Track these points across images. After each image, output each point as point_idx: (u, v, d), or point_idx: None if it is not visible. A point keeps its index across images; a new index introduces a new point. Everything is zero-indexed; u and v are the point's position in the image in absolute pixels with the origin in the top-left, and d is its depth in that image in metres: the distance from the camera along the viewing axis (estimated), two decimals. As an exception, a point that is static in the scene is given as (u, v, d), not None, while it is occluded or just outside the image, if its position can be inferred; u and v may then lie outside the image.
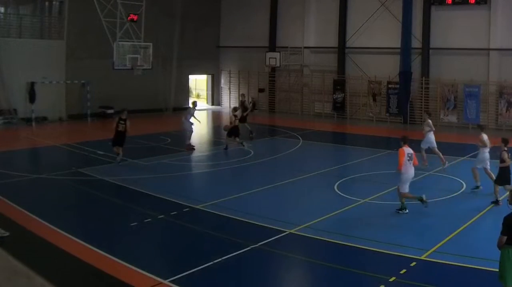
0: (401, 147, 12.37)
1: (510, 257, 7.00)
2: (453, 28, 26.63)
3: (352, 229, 11.03)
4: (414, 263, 9.06)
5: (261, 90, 34.15)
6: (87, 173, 16.13)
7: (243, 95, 25.92)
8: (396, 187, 12.51)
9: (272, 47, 33.16)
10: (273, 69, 33.02)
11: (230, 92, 36.07)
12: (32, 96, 26.27)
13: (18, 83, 26.05)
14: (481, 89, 25.78)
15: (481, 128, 15.07)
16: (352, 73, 30.34)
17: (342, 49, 30.68)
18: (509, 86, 25.18)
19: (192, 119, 20.71)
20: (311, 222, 11.34)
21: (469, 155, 19.14)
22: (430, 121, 17.54)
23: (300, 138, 23.05)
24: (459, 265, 8.98)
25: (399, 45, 27.62)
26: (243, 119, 22.23)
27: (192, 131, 20.58)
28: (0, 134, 23.81)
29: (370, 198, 13.32)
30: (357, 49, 30.15)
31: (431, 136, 17.21)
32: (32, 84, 26.29)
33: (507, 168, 12.81)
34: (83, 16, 26.61)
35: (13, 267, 8.40)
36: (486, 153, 14.16)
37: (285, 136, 24.18)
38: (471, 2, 25.81)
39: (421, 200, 12.18)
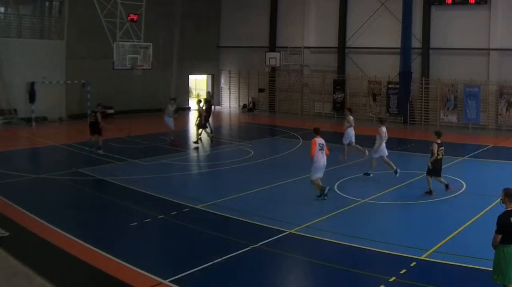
0: (313, 137, 13.10)
1: (506, 255, 7.12)
2: (453, 28, 26.64)
3: (352, 229, 11.02)
4: (414, 263, 9.06)
5: (261, 90, 34.16)
6: (87, 173, 16.12)
7: (209, 93, 25.78)
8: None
9: (272, 47, 33.17)
10: (273, 69, 33.02)
11: (230, 92, 36.08)
12: (32, 96, 26.26)
13: (18, 83, 26.04)
14: (481, 89, 25.78)
15: (381, 121, 16.33)
16: (352, 73, 30.34)
17: (342, 49, 30.69)
18: (509, 86, 25.18)
19: (170, 116, 21.11)
20: (311, 222, 11.34)
21: (469, 155, 19.15)
22: (351, 117, 18.55)
23: (300, 138, 23.04)
24: (459, 265, 8.98)
25: (399, 45, 27.62)
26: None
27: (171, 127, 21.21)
28: (0, 134, 23.81)
29: (370, 198, 13.32)
30: (357, 49, 30.15)
31: (350, 131, 18.25)
32: (32, 84, 26.29)
33: (439, 160, 13.57)
34: (83, 16, 26.61)
35: (13, 267, 8.41)
36: (383, 144, 15.57)
37: (285, 136, 24.18)
38: (471, 2, 25.82)
39: (322, 190, 13.09)
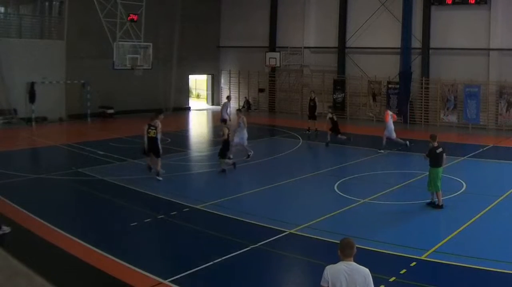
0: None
1: (430, 172, 12.43)
2: (453, 28, 26.62)
3: (352, 229, 11.01)
4: (414, 263, 9.07)
5: (261, 90, 34.15)
6: (87, 173, 16.13)
7: None
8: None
9: (272, 47, 33.16)
10: (273, 69, 33.02)
11: (230, 92, 36.03)
12: (32, 96, 26.26)
13: (18, 83, 26.03)
14: (481, 89, 25.77)
15: (239, 111, 18.95)
16: (352, 73, 30.33)
17: (342, 49, 30.68)
18: (509, 86, 25.17)
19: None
20: (311, 222, 11.34)
21: (469, 155, 19.15)
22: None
23: (300, 138, 23.04)
24: (459, 265, 8.98)
25: (399, 45, 27.61)
26: None
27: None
28: (0, 134, 23.81)
29: (370, 198, 13.32)
30: (357, 49, 30.14)
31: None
32: (32, 84, 26.28)
33: (226, 142, 16.13)
34: (83, 16, 26.61)
35: (13, 267, 8.40)
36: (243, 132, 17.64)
37: (285, 136, 24.18)
38: (471, 2, 25.80)
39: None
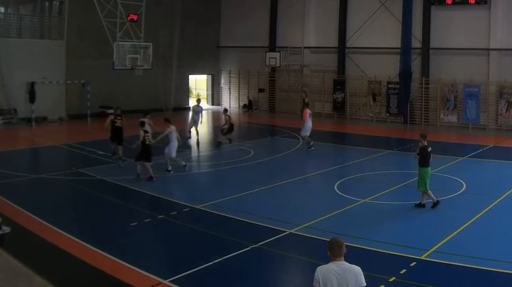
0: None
1: (421, 172, 12.31)
2: (453, 28, 26.63)
3: (352, 229, 11.01)
4: (414, 263, 9.06)
5: (261, 90, 34.15)
6: (87, 173, 16.12)
7: None
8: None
9: (272, 47, 33.18)
10: (273, 69, 33.02)
11: (230, 92, 36.09)
12: (32, 96, 26.26)
13: (18, 83, 26.04)
14: (481, 89, 25.78)
15: (169, 121, 16.66)
16: (352, 73, 30.34)
17: (342, 49, 30.68)
18: (509, 86, 25.18)
19: None
20: (311, 222, 11.34)
21: (469, 155, 19.15)
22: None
23: (300, 138, 23.03)
24: (459, 265, 8.98)
25: (399, 45, 27.62)
26: None
27: None
28: (0, 134, 23.81)
29: (370, 198, 13.32)
30: (357, 49, 30.14)
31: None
32: (32, 84, 26.28)
33: (147, 146, 15.15)
34: (83, 16, 26.63)
35: (13, 267, 8.40)
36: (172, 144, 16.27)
37: (285, 136, 24.17)
38: (471, 2, 25.80)
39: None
